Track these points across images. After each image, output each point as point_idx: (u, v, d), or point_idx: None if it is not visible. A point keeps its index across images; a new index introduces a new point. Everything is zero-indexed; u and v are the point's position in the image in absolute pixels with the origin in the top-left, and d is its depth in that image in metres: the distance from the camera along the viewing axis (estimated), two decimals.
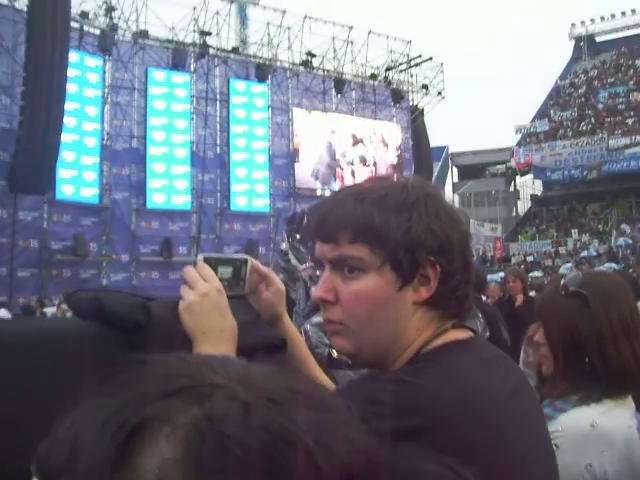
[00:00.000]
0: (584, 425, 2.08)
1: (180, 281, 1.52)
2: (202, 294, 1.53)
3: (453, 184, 57.31)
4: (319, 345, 2.82)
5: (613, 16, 61.03)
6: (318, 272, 3.44)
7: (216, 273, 1.60)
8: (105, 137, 26.60)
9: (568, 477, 1.43)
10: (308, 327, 2.91)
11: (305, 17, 31.32)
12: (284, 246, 4.53)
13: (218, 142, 29.58)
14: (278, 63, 31.60)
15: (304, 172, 31.68)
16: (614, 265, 34.94)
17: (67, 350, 1.40)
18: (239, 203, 29.59)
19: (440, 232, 1.37)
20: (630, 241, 41.10)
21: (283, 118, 31.73)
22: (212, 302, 1.53)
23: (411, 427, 1.17)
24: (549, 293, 2.41)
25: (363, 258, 1.35)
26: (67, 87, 22.05)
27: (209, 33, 28.64)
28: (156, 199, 27.19)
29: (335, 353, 2.78)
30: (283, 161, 31.46)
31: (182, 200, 27.97)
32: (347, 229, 1.37)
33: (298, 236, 4.35)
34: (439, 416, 1.20)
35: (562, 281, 2.32)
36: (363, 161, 33.68)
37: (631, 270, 33.95)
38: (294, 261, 4.14)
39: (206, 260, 1.62)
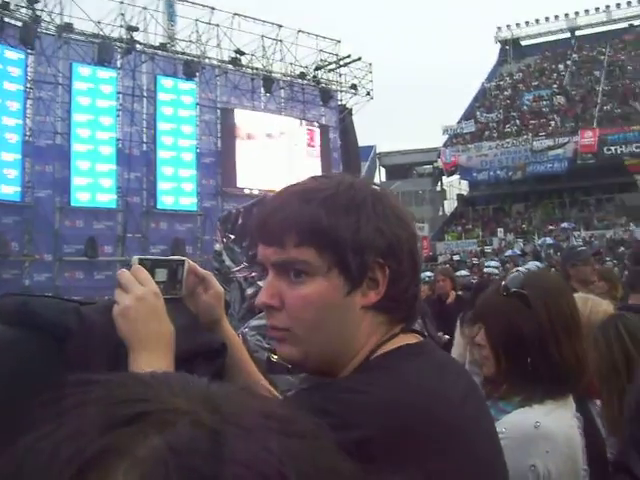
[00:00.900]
0: (528, 426, 2.06)
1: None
2: (138, 298, 1.43)
3: (381, 184, 57.62)
4: (257, 349, 2.73)
5: (537, 21, 62.42)
6: (253, 273, 3.29)
7: (152, 276, 1.50)
8: (27, 133, 25.88)
9: (512, 478, 1.41)
10: (246, 330, 2.82)
11: (234, 15, 31.14)
12: (218, 247, 4.41)
13: (145, 139, 29.11)
14: (207, 61, 31.30)
15: (233, 171, 31.38)
16: (538, 264, 35.75)
17: None
18: (166, 202, 29.20)
19: (389, 233, 1.32)
20: (553, 241, 41.99)
21: (211, 116, 31.44)
22: (149, 306, 1.43)
23: (367, 437, 1.11)
24: (490, 294, 2.38)
25: (310, 262, 1.29)
26: None
27: (136, 28, 28.23)
28: (80, 197, 26.59)
29: (275, 357, 2.70)
30: (211, 159, 31.17)
31: (107, 198, 27.44)
32: (293, 231, 1.29)
33: (232, 236, 4.23)
34: (395, 423, 1.14)
35: (503, 282, 2.30)
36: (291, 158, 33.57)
37: (554, 269, 34.85)
38: (228, 262, 4.02)
39: (141, 262, 1.52)
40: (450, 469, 1.19)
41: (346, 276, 1.30)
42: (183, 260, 1.60)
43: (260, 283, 3.38)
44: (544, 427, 2.07)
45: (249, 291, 3.37)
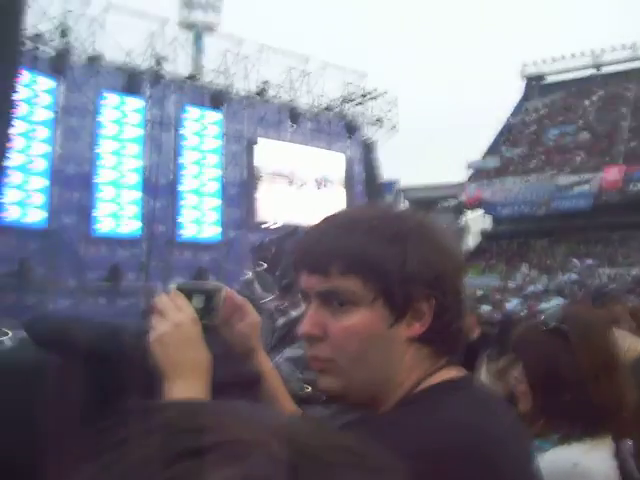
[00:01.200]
0: (566, 465, 2.03)
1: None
2: (175, 324, 1.42)
3: None
4: (291, 380, 2.71)
5: (563, 57, 62.42)
6: (285, 303, 3.28)
7: (189, 302, 1.49)
8: (56, 160, 26.10)
9: None
10: (280, 361, 2.80)
11: (262, 46, 31.37)
12: (249, 275, 4.40)
13: (171, 168, 29.27)
14: (234, 91, 31.50)
15: (259, 202, 31.46)
16: (561, 300, 35.44)
17: (17, 384, 1.30)
18: (190, 231, 29.30)
19: (435, 264, 1.29)
20: (577, 276, 41.70)
21: (237, 147, 31.59)
22: (186, 333, 1.43)
23: (413, 473, 1.08)
24: (528, 328, 2.37)
25: (355, 291, 1.26)
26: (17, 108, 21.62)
27: (165, 59, 28.47)
28: (105, 225, 26.73)
29: (309, 388, 2.69)
30: (236, 190, 31.27)
31: (132, 226, 27.57)
32: (338, 259, 1.27)
33: (265, 265, 4.23)
34: (442, 459, 1.11)
35: (542, 316, 2.28)
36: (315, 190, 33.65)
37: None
38: (259, 291, 4.01)
39: (179, 288, 1.52)
40: None
41: (391, 307, 1.28)
42: (221, 287, 1.58)
43: (293, 312, 3.37)
44: (582, 467, 2.03)
45: (280, 321, 3.36)
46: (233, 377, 1.51)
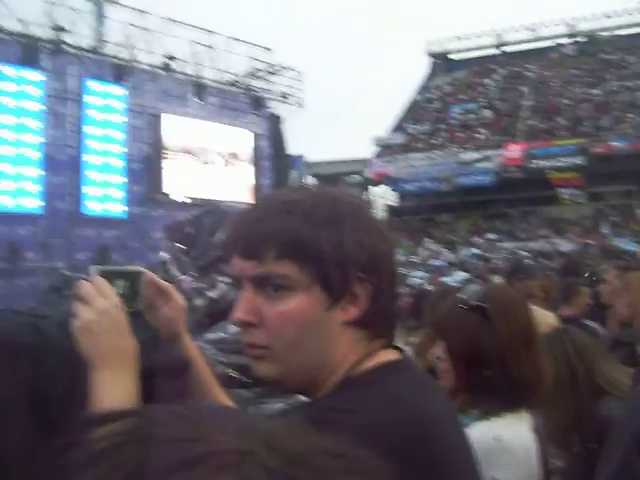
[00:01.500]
0: (488, 439, 2.07)
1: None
2: (100, 312, 1.36)
3: None
4: (215, 364, 2.64)
5: (467, 36, 63.47)
6: (202, 284, 3.18)
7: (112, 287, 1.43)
8: None
9: None
10: (201, 344, 2.73)
11: (166, 19, 30.78)
12: (164, 256, 4.28)
13: (71, 144, 28.47)
14: (137, 65, 30.81)
15: (165, 178, 30.94)
16: (464, 274, 36.28)
17: None
18: (92, 207, 28.57)
19: (370, 246, 1.30)
20: (479, 251, 42.68)
21: (140, 121, 30.93)
22: (112, 320, 1.37)
23: None
24: (449, 307, 2.37)
25: (291, 276, 1.26)
26: None
27: (63, 28, 27.54)
28: (3, 202, 25.83)
29: (233, 372, 2.64)
30: (139, 165, 30.62)
31: (32, 203, 26.71)
32: (274, 244, 1.25)
33: (180, 246, 4.13)
34: (386, 443, 1.08)
35: (462, 295, 2.31)
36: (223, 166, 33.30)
37: (480, 279, 35.44)
38: (175, 272, 3.90)
39: (101, 273, 1.45)
40: None
41: (327, 291, 1.27)
42: (142, 271, 1.53)
43: (210, 294, 3.29)
44: (504, 440, 2.08)
45: (198, 302, 3.27)
46: (162, 363, 1.47)
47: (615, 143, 43.74)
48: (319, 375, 1.31)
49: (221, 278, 3.32)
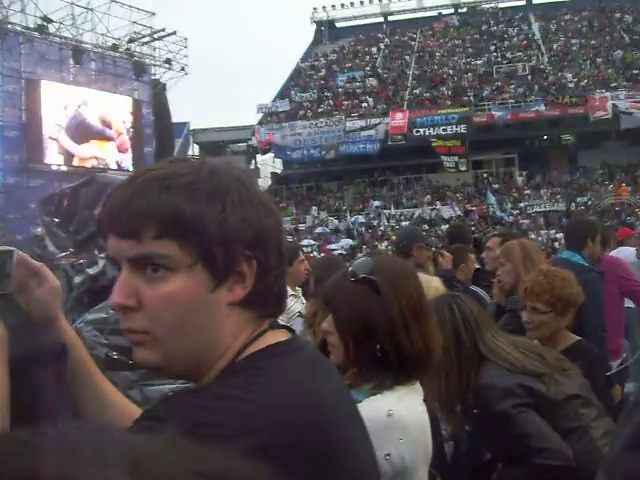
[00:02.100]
0: (381, 415, 2.04)
1: None
2: None
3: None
4: (95, 346, 2.50)
5: (352, 4, 63.76)
6: (81, 260, 3.01)
7: None
8: None
9: None
10: (81, 325, 2.58)
11: None
12: (39, 231, 4.04)
13: None
14: (9, 26, 29.36)
15: (42, 146, 29.76)
16: (350, 241, 36.74)
17: None
18: None
19: (256, 222, 1.22)
20: (364, 219, 43.24)
21: (15, 87, 29.53)
22: None
23: (258, 445, 1.00)
24: (337, 279, 2.30)
25: (171, 255, 1.16)
26: None
27: None
28: None
29: (115, 354, 2.51)
30: (14, 133, 29.23)
31: None
32: (152, 222, 1.15)
33: (57, 220, 3.90)
34: (282, 428, 1.08)
35: (350, 267, 2.25)
36: (102, 136, 32.29)
37: (365, 246, 35.95)
38: (52, 248, 3.68)
39: None
40: (337, 470, 1.15)
41: (211, 270, 1.19)
42: (11, 250, 1.42)
43: (89, 271, 3.13)
44: (397, 415, 2.05)
45: (77, 279, 3.10)
46: (35, 350, 1.38)
47: (496, 112, 44.89)
48: (205, 359, 1.24)
49: (102, 254, 3.16)
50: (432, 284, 3.74)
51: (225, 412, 1.06)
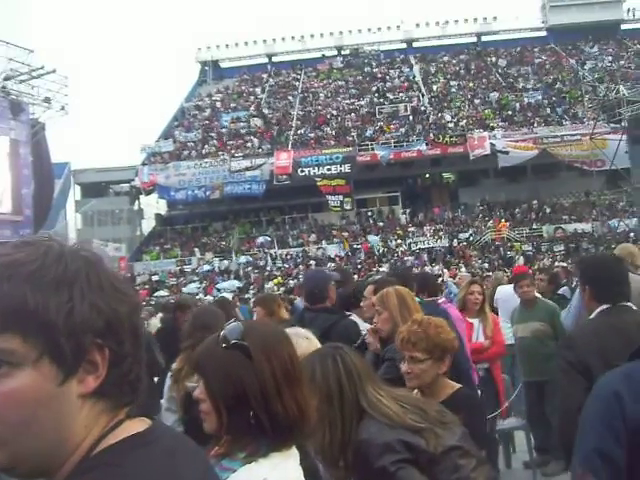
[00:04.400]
0: None
1: None
2: None
3: (75, 202, 55.76)
4: None
5: (237, 44, 64.13)
6: None
7: None
8: None
9: None
10: None
11: None
12: None
13: None
14: None
15: None
16: (236, 282, 36.54)
17: None
18: None
19: (107, 309, 1.16)
20: (251, 259, 43.13)
21: None
22: None
23: None
24: (208, 345, 2.23)
25: (14, 350, 1.10)
26: None
27: None
28: None
29: None
30: None
31: None
32: None
33: None
34: None
35: (221, 333, 2.18)
36: None
37: (252, 286, 35.77)
38: None
39: None
40: None
41: (59, 363, 1.12)
42: None
43: None
44: None
45: None
46: None
47: (379, 152, 45.68)
48: (56, 457, 1.15)
49: None
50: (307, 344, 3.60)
51: None
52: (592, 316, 4.02)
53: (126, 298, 1.21)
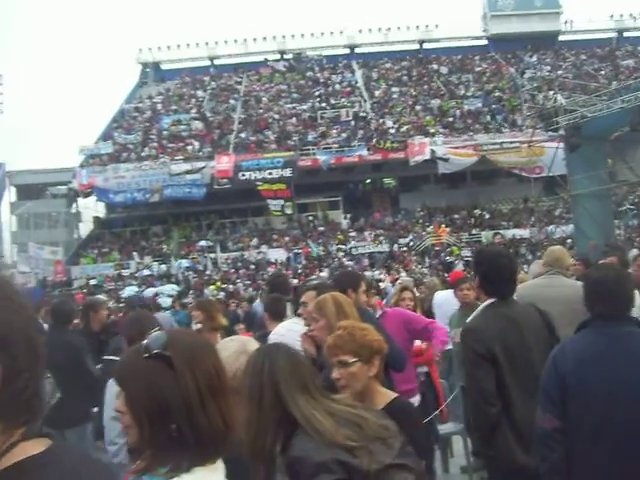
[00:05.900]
0: None
1: None
2: None
3: (11, 204, 54.65)
4: None
5: (179, 46, 63.68)
6: None
7: None
8: None
9: None
10: None
11: None
12: None
13: None
14: None
15: None
16: (175, 286, 36.18)
17: None
18: None
19: None
20: (190, 263, 42.73)
21: None
22: None
23: None
24: (129, 355, 2.15)
25: None
26: None
27: None
28: None
29: None
30: None
31: None
32: None
33: None
34: None
35: (144, 342, 2.08)
36: None
37: (191, 291, 35.43)
38: None
39: None
40: None
41: None
42: None
43: None
44: None
45: None
46: None
47: (320, 157, 45.74)
48: None
49: None
50: (247, 347, 3.52)
51: None
52: (482, 307, 4.63)
53: (21, 312, 1.13)
